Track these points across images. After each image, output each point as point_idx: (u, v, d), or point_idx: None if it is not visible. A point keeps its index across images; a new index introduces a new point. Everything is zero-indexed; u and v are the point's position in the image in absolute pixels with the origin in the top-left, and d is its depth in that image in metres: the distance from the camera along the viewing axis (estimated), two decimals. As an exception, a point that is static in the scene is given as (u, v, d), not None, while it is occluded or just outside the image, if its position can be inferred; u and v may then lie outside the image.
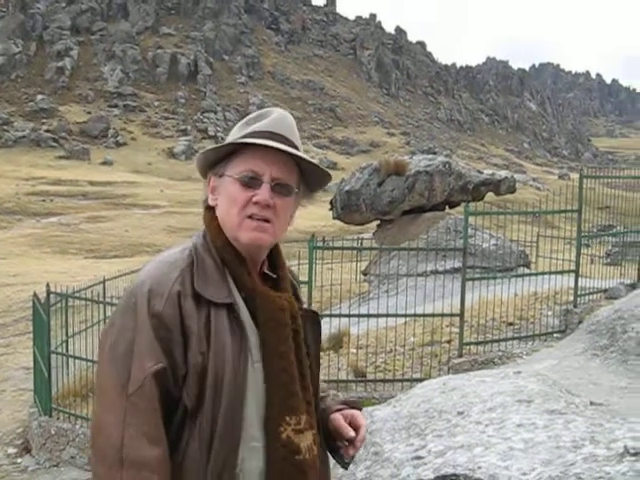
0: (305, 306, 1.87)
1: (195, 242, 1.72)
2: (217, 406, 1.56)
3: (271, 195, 1.67)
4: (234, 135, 1.75)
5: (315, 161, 1.75)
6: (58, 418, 8.95)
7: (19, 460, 9.02)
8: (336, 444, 1.84)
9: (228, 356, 1.57)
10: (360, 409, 1.90)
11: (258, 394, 1.62)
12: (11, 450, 9.34)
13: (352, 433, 1.79)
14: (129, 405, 1.53)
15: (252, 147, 1.68)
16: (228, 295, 1.63)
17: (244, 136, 1.70)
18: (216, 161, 1.75)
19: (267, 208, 1.67)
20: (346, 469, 1.88)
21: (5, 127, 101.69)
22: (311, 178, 1.79)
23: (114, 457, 1.52)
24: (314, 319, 1.87)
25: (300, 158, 1.72)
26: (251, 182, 1.67)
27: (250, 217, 1.67)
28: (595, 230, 14.71)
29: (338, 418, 1.82)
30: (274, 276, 1.79)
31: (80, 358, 9.22)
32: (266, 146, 1.66)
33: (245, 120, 1.78)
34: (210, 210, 1.76)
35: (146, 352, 1.54)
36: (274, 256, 1.81)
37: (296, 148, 1.72)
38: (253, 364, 1.62)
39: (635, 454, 3.05)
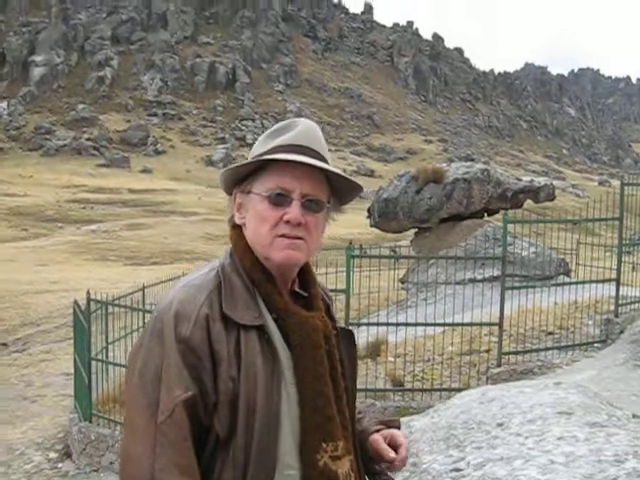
0: (339, 324, 1.77)
1: (222, 262, 1.64)
2: (250, 433, 1.49)
3: (302, 212, 1.59)
4: (259, 149, 1.66)
5: (345, 174, 1.66)
6: (98, 424, 9.03)
7: (60, 465, 9.13)
8: (375, 467, 1.77)
9: (260, 381, 1.50)
10: (399, 427, 1.82)
11: (293, 420, 1.55)
12: (52, 455, 9.47)
13: (393, 454, 1.72)
14: (159, 435, 1.46)
15: (280, 162, 1.59)
16: (258, 316, 1.56)
17: (271, 150, 1.61)
18: (241, 178, 1.66)
19: (299, 226, 1.59)
20: None
21: (47, 136, 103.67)
22: (341, 190, 1.70)
23: None
24: (349, 338, 1.78)
25: (330, 171, 1.63)
26: (281, 200, 1.59)
27: (282, 236, 1.59)
28: (637, 237, 14.46)
29: (377, 439, 1.75)
30: (305, 294, 1.69)
31: (120, 365, 9.29)
32: (295, 161, 1.57)
33: (270, 132, 1.69)
34: (237, 228, 1.68)
35: (174, 379, 1.48)
36: (304, 273, 1.71)
37: (324, 160, 1.63)
38: (287, 387, 1.54)
39: (680, 469, 2.99)
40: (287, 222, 1.59)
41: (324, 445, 1.57)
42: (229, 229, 1.72)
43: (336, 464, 1.58)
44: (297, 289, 1.69)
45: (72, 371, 10.87)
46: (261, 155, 1.63)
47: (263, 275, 1.61)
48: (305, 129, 1.65)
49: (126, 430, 1.55)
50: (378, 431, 1.78)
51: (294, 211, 1.59)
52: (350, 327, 8.82)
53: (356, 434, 1.73)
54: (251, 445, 1.49)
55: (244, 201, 1.66)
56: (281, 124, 1.70)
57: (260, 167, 1.63)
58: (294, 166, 1.59)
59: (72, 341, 11.36)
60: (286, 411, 1.54)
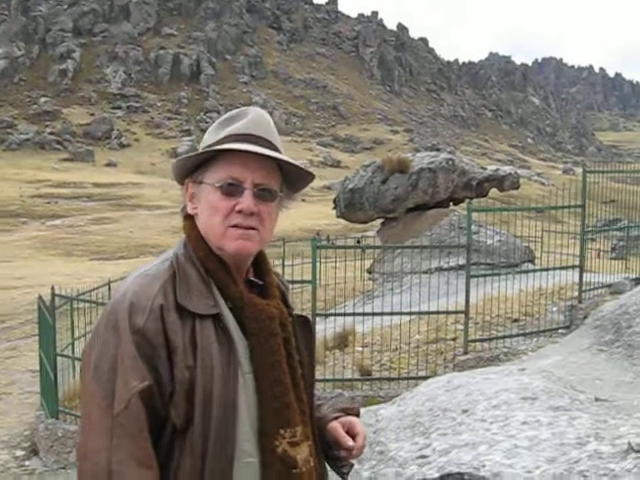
0: (296, 311, 1.78)
1: (176, 252, 1.63)
2: (208, 422, 1.49)
3: (254, 202, 1.59)
4: (210, 138, 1.65)
5: (296, 162, 1.65)
6: (65, 420, 8.95)
7: (27, 463, 9.03)
8: (334, 453, 1.77)
9: (217, 369, 1.50)
10: (358, 415, 1.83)
11: (250, 407, 1.54)
12: (19, 453, 9.36)
13: (351, 442, 1.73)
14: (116, 426, 1.46)
15: (231, 152, 1.58)
16: (214, 305, 1.55)
17: (222, 140, 1.61)
18: (193, 168, 1.65)
19: (251, 216, 1.59)
20: (345, 479, 1.80)
21: (9, 130, 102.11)
22: (293, 179, 1.70)
23: None
24: (305, 324, 1.78)
25: (282, 160, 1.63)
26: (232, 190, 1.58)
27: (234, 226, 1.59)
28: (601, 224, 14.66)
29: (336, 427, 1.75)
30: (261, 283, 1.69)
31: (86, 360, 9.18)
32: (246, 151, 1.57)
33: (220, 121, 1.67)
34: (189, 218, 1.67)
35: (130, 370, 1.47)
36: (259, 262, 1.72)
37: (276, 149, 1.63)
38: (244, 375, 1.54)
39: (639, 451, 3.04)
40: (239, 212, 1.58)
41: (282, 431, 1.57)
42: (182, 219, 1.70)
43: (295, 450, 1.59)
44: (252, 278, 1.69)
45: (38, 368, 10.75)
46: (212, 145, 1.62)
47: (218, 264, 1.61)
48: (255, 117, 1.64)
49: (82, 423, 1.54)
50: (337, 418, 1.79)
51: (246, 201, 1.58)
52: (317, 318, 8.85)
53: (315, 420, 1.74)
54: (209, 434, 1.49)
55: (196, 191, 1.65)
56: (232, 113, 1.69)
57: (211, 157, 1.62)
58: (245, 155, 1.58)
59: (38, 337, 11.24)
60: (243, 399, 1.54)
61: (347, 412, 1.82)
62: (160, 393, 1.49)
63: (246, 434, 1.54)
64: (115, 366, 1.49)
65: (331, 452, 1.78)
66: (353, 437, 1.75)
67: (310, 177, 1.72)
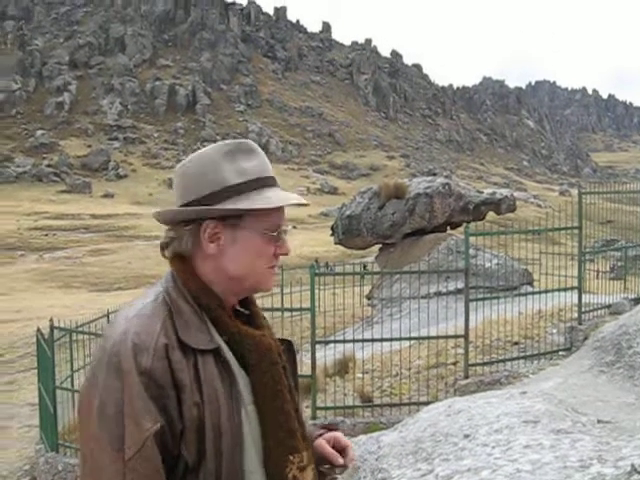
0: (278, 336, 1.81)
1: (166, 287, 1.62)
2: (219, 457, 1.50)
3: None
4: (231, 177, 1.62)
5: (304, 201, 1.70)
6: (65, 454, 8.89)
7: (27, 498, 8.96)
8: (319, 469, 1.79)
9: (222, 404, 1.51)
10: (338, 430, 1.89)
11: (255, 438, 1.57)
12: (19, 488, 9.29)
13: (341, 460, 1.77)
14: (128, 471, 1.43)
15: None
16: (211, 340, 1.56)
17: (251, 183, 1.62)
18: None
19: None
20: None
21: (6, 163, 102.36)
22: None
23: None
24: (289, 348, 1.82)
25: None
26: (277, 236, 1.66)
27: (272, 267, 1.68)
28: (599, 244, 14.67)
29: (322, 444, 1.80)
30: (247, 312, 1.72)
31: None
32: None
33: (227, 150, 1.65)
34: (179, 258, 1.66)
35: (142, 413, 1.44)
36: None
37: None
38: (245, 407, 1.56)
39: (643, 472, 3.03)
40: (280, 254, 1.68)
41: (291, 458, 1.60)
42: (169, 258, 1.69)
43: (303, 475, 1.62)
44: (238, 307, 1.71)
45: (37, 401, 10.68)
46: (240, 186, 1.62)
47: (212, 299, 1.61)
48: (263, 155, 1.70)
49: (88, 471, 1.50)
50: (320, 435, 1.83)
51: (287, 246, 1.68)
52: (317, 345, 8.82)
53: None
54: (221, 469, 1.50)
55: (226, 233, 1.63)
56: (237, 145, 1.68)
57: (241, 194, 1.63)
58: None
59: (37, 371, 11.18)
60: (248, 431, 1.55)
61: (328, 429, 1.88)
62: (171, 433, 1.48)
63: (253, 465, 1.56)
64: (121, 410, 1.46)
65: (318, 469, 1.80)
66: (340, 451, 1.79)
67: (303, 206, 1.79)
